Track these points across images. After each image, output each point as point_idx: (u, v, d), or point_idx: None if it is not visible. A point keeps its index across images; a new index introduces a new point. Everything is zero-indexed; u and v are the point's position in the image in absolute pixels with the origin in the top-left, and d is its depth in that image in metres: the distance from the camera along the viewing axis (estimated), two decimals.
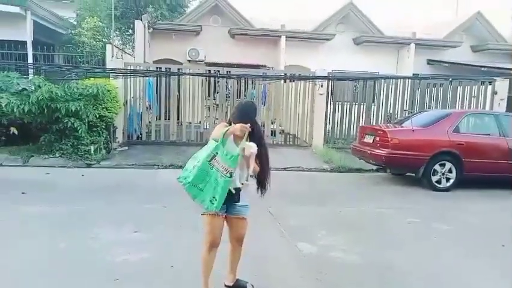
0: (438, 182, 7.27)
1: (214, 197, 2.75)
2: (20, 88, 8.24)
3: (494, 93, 11.14)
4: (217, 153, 2.76)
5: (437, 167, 7.24)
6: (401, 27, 15.48)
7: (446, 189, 7.24)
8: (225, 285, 3.24)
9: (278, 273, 3.64)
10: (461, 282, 3.61)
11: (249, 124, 2.78)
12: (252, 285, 3.24)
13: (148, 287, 3.25)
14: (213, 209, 2.76)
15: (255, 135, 2.94)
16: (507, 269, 3.90)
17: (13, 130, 8.47)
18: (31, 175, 7.28)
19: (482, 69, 13.36)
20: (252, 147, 2.77)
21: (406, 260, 4.03)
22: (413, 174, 7.65)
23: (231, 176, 2.72)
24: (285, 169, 8.59)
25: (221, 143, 2.77)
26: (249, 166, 2.83)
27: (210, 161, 2.76)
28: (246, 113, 2.91)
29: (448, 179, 7.28)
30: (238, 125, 2.75)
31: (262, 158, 2.96)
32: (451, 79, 11.50)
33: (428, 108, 11.21)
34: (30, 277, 3.36)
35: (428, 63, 15.48)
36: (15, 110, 7.94)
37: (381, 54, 15.21)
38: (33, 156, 8.40)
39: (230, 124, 2.92)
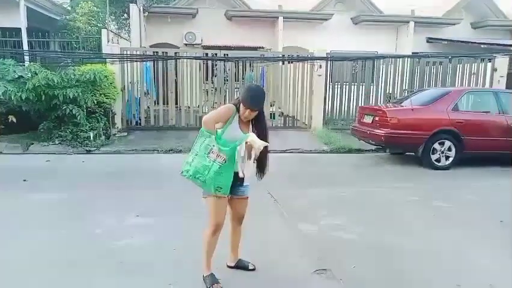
0: (438, 160, 7.30)
1: (219, 187, 2.79)
2: (16, 76, 8.19)
3: (494, 70, 11.06)
4: (213, 145, 2.78)
5: (436, 145, 7.26)
6: (400, 6, 15.24)
7: (446, 168, 7.27)
8: (227, 266, 3.29)
9: (279, 253, 3.69)
10: (461, 259, 3.66)
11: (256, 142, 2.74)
12: (254, 265, 3.29)
13: (151, 268, 3.29)
14: (223, 195, 2.83)
15: (260, 123, 2.96)
16: (506, 244, 3.95)
17: (12, 118, 8.46)
18: (32, 162, 7.30)
19: (482, 46, 13.23)
20: (261, 147, 2.75)
21: (406, 239, 4.08)
22: (413, 154, 7.67)
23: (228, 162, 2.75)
24: (284, 151, 8.61)
25: (217, 138, 2.78)
26: (250, 157, 2.84)
27: (207, 153, 2.78)
28: (258, 99, 2.86)
29: (447, 157, 7.30)
30: (260, 144, 2.72)
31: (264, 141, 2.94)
32: (450, 57, 11.40)
33: (428, 86, 11.15)
34: (34, 263, 3.40)
35: (427, 42, 15.31)
36: (12, 98, 7.91)
37: (380, 33, 15.04)
38: (33, 143, 8.42)
39: (237, 106, 2.89)
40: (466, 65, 11.37)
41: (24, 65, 8.86)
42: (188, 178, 2.86)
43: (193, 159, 2.84)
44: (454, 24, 15.15)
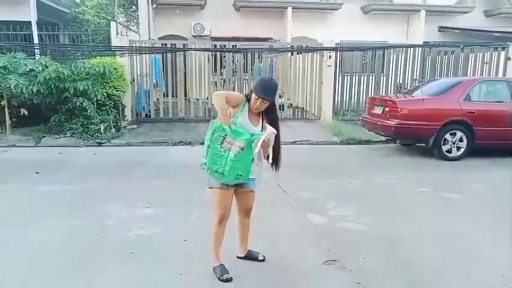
0: (449, 151, 7.22)
1: (238, 174, 2.80)
2: (27, 69, 8.27)
3: (507, 59, 10.85)
4: (225, 135, 2.78)
5: (447, 136, 7.17)
6: None
7: (457, 159, 7.19)
8: (237, 257, 3.32)
9: (288, 244, 3.70)
10: (471, 250, 3.63)
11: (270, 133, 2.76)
12: (264, 256, 3.30)
13: (162, 260, 3.33)
14: (244, 180, 2.85)
15: (271, 115, 2.96)
16: None
17: (23, 111, 8.57)
18: (44, 155, 7.40)
19: (495, 34, 12.98)
20: (272, 135, 2.76)
21: (416, 230, 4.06)
22: (423, 145, 7.60)
23: (244, 149, 2.76)
24: (293, 143, 8.59)
25: (230, 129, 2.78)
26: (265, 155, 2.87)
27: (220, 144, 2.79)
28: (271, 90, 2.86)
29: (458, 148, 7.22)
30: (270, 135, 2.74)
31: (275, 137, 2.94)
32: (462, 46, 11.21)
33: (439, 76, 10.99)
34: (47, 254, 3.46)
35: (439, 31, 15.08)
36: (24, 91, 8.00)
37: (390, 22, 14.84)
38: (44, 136, 8.52)
39: (248, 97, 2.90)
40: (478, 54, 11.17)
41: (35, 58, 8.95)
42: (207, 171, 2.87)
43: (207, 152, 2.85)
44: (467, 13, 14.87)
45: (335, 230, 4.03)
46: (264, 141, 2.74)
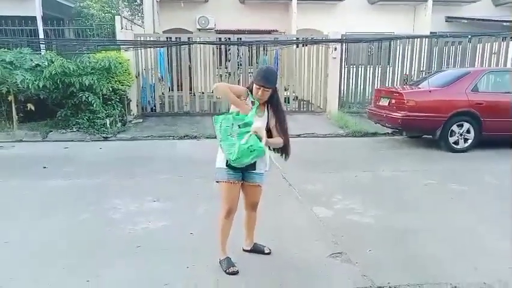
0: (456, 143, 7.16)
1: (251, 150, 2.75)
2: (33, 64, 8.31)
3: None
4: (232, 124, 2.81)
5: (454, 127, 7.11)
6: None
7: (464, 150, 7.13)
8: (243, 250, 3.33)
9: (295, 237, 3.71)
10: (479, 242, 3.61)
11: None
12: (269, 249, 3.31)
13: (169, 253, 3.36)
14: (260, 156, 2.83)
15: (273, 103, 2.98)
16: None
17: (30, 106, 8.62)
18: (51, 150, 7.45)
19: (504, 24, 12.76)
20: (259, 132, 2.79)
21: (422, 222, 4.04)
22: (430, 136, 7.54)
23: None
24: (299, 136, 8.56)
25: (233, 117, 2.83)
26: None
27: (229, 135, 2.81)
28: (270, 77, 2.88)
29: (465, 140, 7.16)
30: (262, 129, 2.80)
31: (281, 124, 2.97)
32: (469, 36, 11.05)
33: (446, 67, 10.87)
34: (55, 248, 3.50)
35: (446, 21, 14.86)
36: (30, 86, 8.04)
37: (396, 13, 14.66)
38: (51, 131, 8.58)
39: (250, 89, 2.93)
40: (486, 44, 11.02)
41: (40, 54, 8.98)
42: (234, 163, 2.84)
43: (221, 147, 2.88)
44: (475, 2, 14.64)
45: (341, 223, 4.02)
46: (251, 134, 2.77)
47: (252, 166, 2.95)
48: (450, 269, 3.15)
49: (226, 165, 2.91)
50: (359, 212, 4.31)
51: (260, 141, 2.76)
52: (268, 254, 3.29)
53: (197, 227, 3.85)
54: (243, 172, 2.96)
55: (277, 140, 2.95)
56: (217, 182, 2.98)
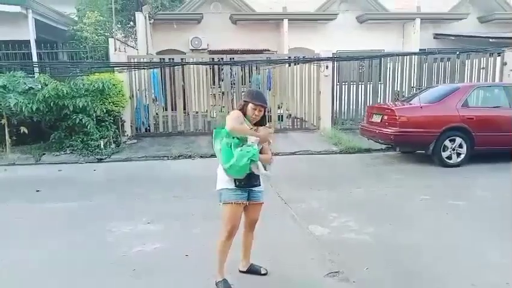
0: (449, 157, 7.22)
1: (250, 159, 2.82)
2: (26, 87, 8.32)
3: (503, 64, 10.92)
4: (232, 143, 2.88)
5: (447, 142, 7.18)
6: (405, 2, 15.15)
7: (457, 165, 7.19)
8: (239, 271, 3.30)
9: (291, 256, 3.68)
10: (476, 258, 3.61)
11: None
12: (266, 269, 3.29)
13: (165, 276, 3.31)
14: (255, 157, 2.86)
15: (264, 121, 3.11)
16: None
17: (23, 129, 8.58)
18: (44, 173, 7.40)
19: (491, 40, 13.05)
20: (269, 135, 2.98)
21: (419, 238, 4.04)
22: (423, 152, 7.60)
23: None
24: (293, 153, 8.60)
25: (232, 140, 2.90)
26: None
27: (229, 148, 2.88)
28: (263, 97, 3.13)
29: (458, 154, 7.22)
30: (266, 133, 2.98)
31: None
32: (458, 52, 11.27)
33: (436, 83, 11.04)
34: (50, 271, 3.45)
35: (434, 38, 15.17)
36: (23, 109, 8.03)
37: (386, 31, 14.95)
38: (44, 154, 8.53)
39: (242, 110, 3.01)
40: (474, 60, 11.24)
41: (34, 77, 9.00)
42: (229, 173, 2.89)
43: (220, 158, 2.92)
44: (461, 19, 14.99)
45: (338, 241, 4.01)
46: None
47: (256, 179, 2.99)
48: (447, 286, 3.14)
49: (236, 186, 2.92)
50: (354, 229, 4.30)
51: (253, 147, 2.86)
52: (265, 274, 3.26)
53: (192, 248, 3.81)
54: (248, 190, 2.99)
55: (267, 156, 3.05)
56: (224, 203, 2.97)
